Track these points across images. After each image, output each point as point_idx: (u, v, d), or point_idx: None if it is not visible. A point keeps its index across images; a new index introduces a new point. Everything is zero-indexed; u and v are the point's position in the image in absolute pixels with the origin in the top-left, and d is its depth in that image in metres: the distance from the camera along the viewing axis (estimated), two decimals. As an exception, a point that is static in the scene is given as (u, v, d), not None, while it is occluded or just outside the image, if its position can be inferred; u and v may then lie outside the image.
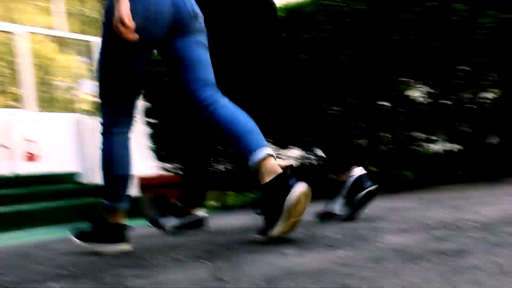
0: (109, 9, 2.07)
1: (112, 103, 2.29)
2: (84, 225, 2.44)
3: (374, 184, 2.55)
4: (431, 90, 4.30)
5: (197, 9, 2.29)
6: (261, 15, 2.65)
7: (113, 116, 2.29)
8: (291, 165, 2.26)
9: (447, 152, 4.52)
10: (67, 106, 8.52)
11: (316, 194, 2.23)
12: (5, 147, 6.78)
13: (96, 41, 8.39)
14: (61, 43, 8.83)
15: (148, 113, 5.75)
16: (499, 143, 4.37)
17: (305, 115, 2.66)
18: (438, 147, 4.54)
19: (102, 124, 2.31)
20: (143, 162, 7.27)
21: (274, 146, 4.88)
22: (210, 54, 2.36)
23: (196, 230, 3.01)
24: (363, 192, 2.51)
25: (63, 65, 8.67)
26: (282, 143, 4.97)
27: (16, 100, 7.66)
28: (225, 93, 2.30)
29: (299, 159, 5.05)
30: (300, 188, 1.93)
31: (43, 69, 8.21)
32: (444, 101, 4.27)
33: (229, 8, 2.63)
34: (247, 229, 2.69)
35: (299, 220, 1.99)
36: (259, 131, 2.14)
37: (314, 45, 4.42)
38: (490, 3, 3.95)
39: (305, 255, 1.72)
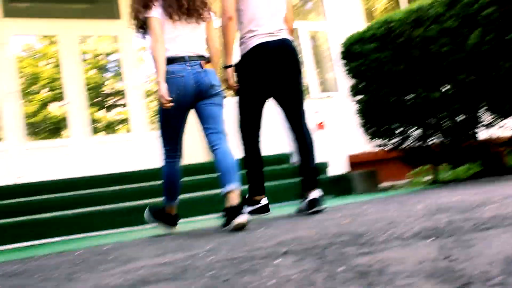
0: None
1: (166, 144, 3.46)
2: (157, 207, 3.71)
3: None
4: None
5: (214, 81, 3.35)
6: (286, 66, 3.72)
7: (168, 152, 3.46)
8: (244, 197, 3.70)
9: None
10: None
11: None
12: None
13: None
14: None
15: (355, 89, 5.72)
16: None
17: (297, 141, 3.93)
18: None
19: (164, 157, 3.48)
20: (353, 140, 7.28)
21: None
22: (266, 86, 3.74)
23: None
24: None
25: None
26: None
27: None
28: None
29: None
30: (237, 220, 3.04)
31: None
32: None
33: (271, 59, 3.67)
34: (468, 206, 2.51)
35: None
36: (235, 171, 3.20)
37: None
38: None
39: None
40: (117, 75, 9.03)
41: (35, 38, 9.42)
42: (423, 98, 5.05)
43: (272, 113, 6.83)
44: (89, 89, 8.15)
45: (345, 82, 6.16)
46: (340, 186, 5.83)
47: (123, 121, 9.14)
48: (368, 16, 8.97)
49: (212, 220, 4.53)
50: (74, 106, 7.53)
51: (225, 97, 3.49)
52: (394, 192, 5.22)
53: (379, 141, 5.83)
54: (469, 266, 1.27)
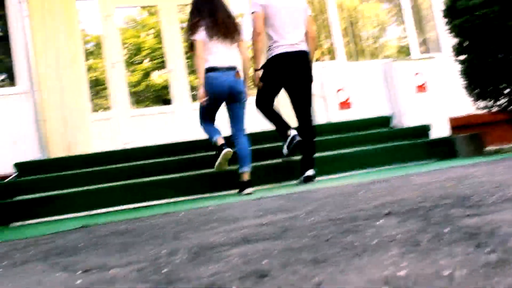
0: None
1: (204, 119, 4.74)
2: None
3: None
4: None
5: (242, 88, 4.59)
6: (301, 71, 4.77)
7: (205, 122, 4.73)
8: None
9: None
10: (374, 53, 8.66)
11: None
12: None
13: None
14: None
15: (458, 49, 5.44)
16: None
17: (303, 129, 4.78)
18: None
19: (203, 125, 4.74)
20: (455, 102, 6.98)
21: None
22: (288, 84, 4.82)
23: None
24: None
25: (368, 14, 8.81)
26: None
27: (328, 53, 8.11)
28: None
29: None
30: (247, 191, 4.47)
31: (349, 21, 8.47)
32: None
33: (289, 66, 4.73)
34: None
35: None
36: (248, 158, 4.59)
37: None
38: None
39: None
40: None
41: (135, 10, 9.73)
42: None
43: (373, 76, 6.69)
44: (188, 58, 8.36)
45: (447, 41, 5.88)
46: (443, 150, 5.64)
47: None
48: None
49: (316, 183, 4.56)
50: (175, 74, 7.77)
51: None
52: (500, 156, 4.96)
53: (484, 103, 5.54)
54: None
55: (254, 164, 4.71)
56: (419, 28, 8.44)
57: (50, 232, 3.15)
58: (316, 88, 7.40)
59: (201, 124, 4.77)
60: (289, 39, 4.70)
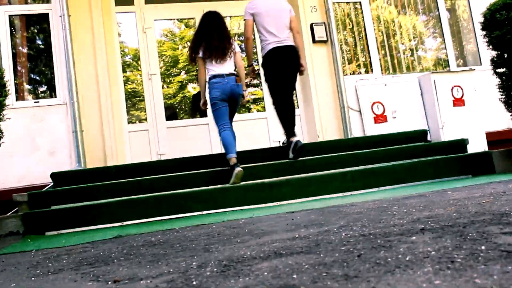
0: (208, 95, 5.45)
1: (219, 122, 5.28)
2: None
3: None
4: None
5: (241, 91, 5.39)
6: (289, 60, 5.57)
7: (222, 126, 5.27)
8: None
9: None
10: (409, 66, 8.54)
11: None
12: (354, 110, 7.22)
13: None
14: (401, 5, 8.87)
15: (496, 62, 5.32)
16: None
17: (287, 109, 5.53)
18: None
19: (219, 128, 5.28)
20: (492, 116, 6.82)
21: None
22: (278, 74, 5.57)
23: None
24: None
25: (405, 27, 8.71)
26: None
27: (363, 66, 8.04)
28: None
29: None
30: (236, 170, 5.02)
31: (386, 33, 8.39)
32: None
33: (280, 58, 5.54)
34: None
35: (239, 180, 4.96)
36: (234, 145, 5.22)
37: None
38: None
39: None
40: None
41: (173, 22, 9.88)
42: None
43: (410, 89, 6.60)
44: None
45: (486, 54, 5.76)
46: (480, 165, 5.50)
47: (256, 100, 9.35)
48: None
49: (343, 197, 4.51)
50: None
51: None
52: (542, 172, 4.81)
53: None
54: None
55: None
56: (457, 40, 8.31)
57: (83, 241, 3.19)
58: (351, 101, 7.35)
59: (219, 134, 5.35)
60: (277, 36, 5.60)
